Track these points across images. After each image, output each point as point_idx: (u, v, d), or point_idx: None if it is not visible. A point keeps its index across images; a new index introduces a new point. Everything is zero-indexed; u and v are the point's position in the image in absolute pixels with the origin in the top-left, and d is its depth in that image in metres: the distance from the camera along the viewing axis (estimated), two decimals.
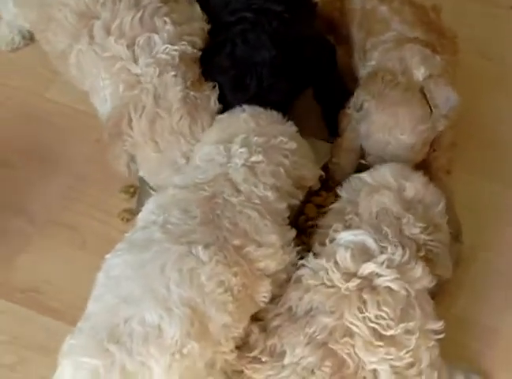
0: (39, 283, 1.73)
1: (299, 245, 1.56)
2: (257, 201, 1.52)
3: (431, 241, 1.54)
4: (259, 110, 1.66)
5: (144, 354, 1.36)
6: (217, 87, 1.72)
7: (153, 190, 1.74)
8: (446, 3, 1.89)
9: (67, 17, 1.74)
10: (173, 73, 1.68)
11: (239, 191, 1.52)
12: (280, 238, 1.51)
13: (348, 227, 1.55)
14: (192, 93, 1.68)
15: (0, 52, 2.03)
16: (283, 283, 1.51)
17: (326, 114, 1.90)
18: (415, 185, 1.59)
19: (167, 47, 1.69)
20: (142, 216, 1.55)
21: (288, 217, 1.58)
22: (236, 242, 1.46)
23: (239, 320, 1.44)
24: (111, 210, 1.83)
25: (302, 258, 1.54)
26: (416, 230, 1.53)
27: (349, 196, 1.62)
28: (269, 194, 1.54)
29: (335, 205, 1.63)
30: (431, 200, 1.59)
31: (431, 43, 1.75)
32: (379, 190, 1.57)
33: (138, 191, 1.83)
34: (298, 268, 1.52)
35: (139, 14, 1.70)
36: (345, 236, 1.51)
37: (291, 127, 1.66)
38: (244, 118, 1.64)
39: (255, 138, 1.59)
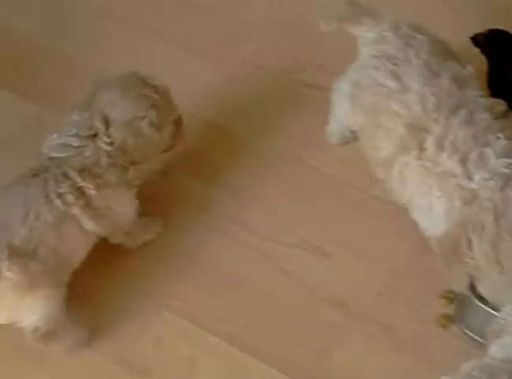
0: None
1: None
2: None
3: None
4: None
5: None
6: None
7: (480, 302, 1.70)
8: None
9: (396, 128, 1.75)
10: None
11: None
12: None
13: None
14: None
15: (331, 147, 2.09)
16: None
17: None
18: None
19: (504, 161, 1.66)
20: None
21: None
22: None
23: None
24: (429, 313, 1.82)
25: None
26: None
27: None
28: None
29: None
30: None
31: None
32: None
33: (458, 298, 1.81)
34: None
35: (472, 130, 1.70)
36: None
37: None
38: None
39: None
